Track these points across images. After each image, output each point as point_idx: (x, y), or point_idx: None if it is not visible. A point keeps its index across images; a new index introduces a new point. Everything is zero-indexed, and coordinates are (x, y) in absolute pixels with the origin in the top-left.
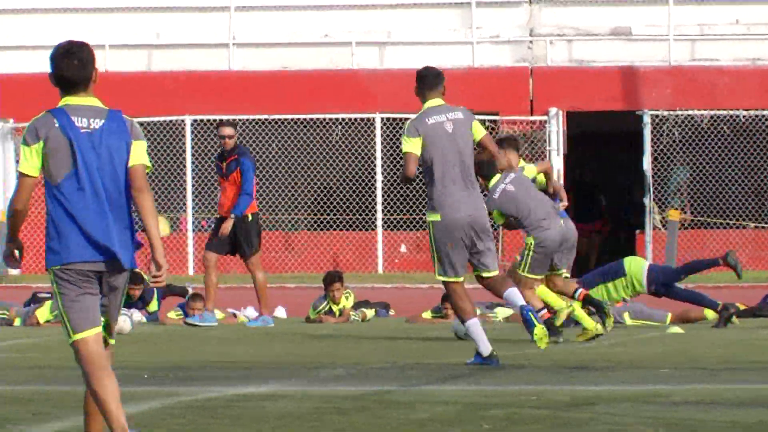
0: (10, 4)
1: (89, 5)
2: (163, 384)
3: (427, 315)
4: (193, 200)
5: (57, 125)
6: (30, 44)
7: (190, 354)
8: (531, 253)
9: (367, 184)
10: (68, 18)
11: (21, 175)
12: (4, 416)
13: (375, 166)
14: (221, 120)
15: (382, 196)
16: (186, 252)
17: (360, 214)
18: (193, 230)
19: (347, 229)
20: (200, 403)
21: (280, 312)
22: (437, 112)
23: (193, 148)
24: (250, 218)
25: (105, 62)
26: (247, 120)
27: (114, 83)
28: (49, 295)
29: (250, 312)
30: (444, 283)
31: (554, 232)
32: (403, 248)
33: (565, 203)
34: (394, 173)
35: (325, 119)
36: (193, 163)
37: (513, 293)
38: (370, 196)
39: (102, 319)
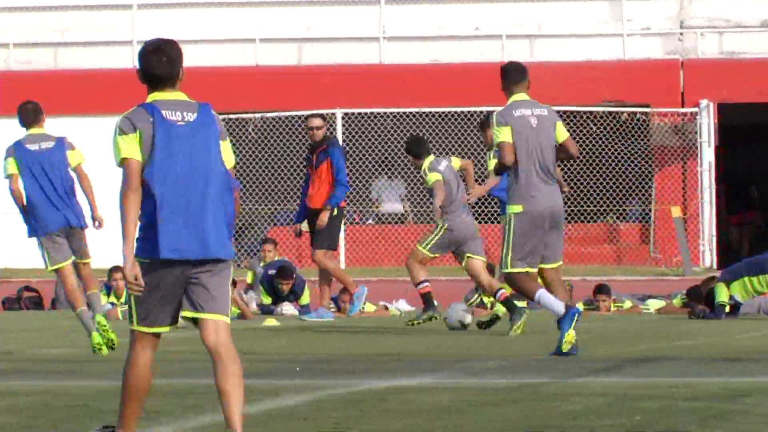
0: None
1: None
2: (315, 377)
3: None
4: None
5: (151, 119)
6: (179, 38)
7: (341, 347)
8: (440, 233)
9: None
10: (219, 12)
11: (123, 161)
12: (157, 409)
13: None
14: (312, 113)
15: None
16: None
17: None
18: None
19: (500, 222)
20: (352, 396)
21: None
22: (523, 106)
23: (343, 141)
24: (335, 213)
25: (255, 56)
26: (397, 113)
27: (265, 77)
28: None
29: (402, 305)
30: (510, 274)
31: (462, 224)
32: None
33: (471, 199)
34: None
35: (476, 112)
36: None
37: (554, 300)
38: None
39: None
